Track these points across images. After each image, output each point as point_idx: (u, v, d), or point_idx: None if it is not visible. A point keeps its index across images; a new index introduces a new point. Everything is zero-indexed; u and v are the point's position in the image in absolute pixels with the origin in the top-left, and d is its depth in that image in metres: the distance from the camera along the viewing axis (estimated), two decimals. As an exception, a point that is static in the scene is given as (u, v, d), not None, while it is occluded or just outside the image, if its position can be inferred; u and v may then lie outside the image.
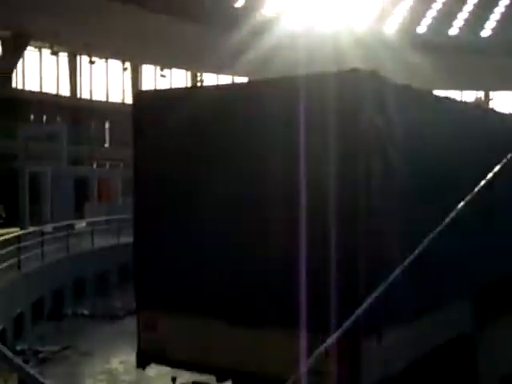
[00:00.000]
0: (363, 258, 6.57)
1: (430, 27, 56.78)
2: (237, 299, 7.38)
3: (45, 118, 50.76)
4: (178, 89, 8.98)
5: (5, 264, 15.44)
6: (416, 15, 56.95)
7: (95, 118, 53.32)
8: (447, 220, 4.76)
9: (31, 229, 24.33)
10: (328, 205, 6.58)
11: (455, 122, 8.53)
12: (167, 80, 55.92)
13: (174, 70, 56.64)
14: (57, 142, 36.13)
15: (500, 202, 8.89)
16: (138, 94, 10.21)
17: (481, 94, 60.39)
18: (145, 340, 8.11)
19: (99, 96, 55.62)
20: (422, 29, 56.96)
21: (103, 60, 54.00)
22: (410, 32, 54.55)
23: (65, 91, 53.15)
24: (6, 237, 18.53)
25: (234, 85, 6.74)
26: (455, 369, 8.51)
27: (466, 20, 57.07)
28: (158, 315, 8.03)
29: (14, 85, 48.89)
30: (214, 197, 7.50)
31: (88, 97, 54.70)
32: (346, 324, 4.01)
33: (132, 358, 9.16)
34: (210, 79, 57.34)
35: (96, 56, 51.03)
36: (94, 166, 50.16)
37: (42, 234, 20.75)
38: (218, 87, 10.79)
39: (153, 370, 9.70)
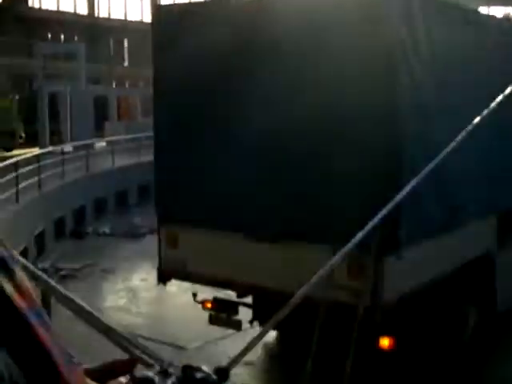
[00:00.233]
0: (396, 166, 6.48)
1: None
2: (259, 213, 7.31)
3: (62, 37, 50.30)
4: (200, 2, 8.71)
5: (25, 183, 15.48)
6: None
7: (114, 36, 52.80)
8: (464, 133, 4.65)
9: (51, 148, 24.32)
10: (358, 106, 6.58)
11: (483, 34, 8.27)
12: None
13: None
14: (75, 62, 35.89)
15: None
16: (157, 7, 10.07)
17: (510, 9, 58.89)
18: (166, 256, 8.10)
19: (117, 14, 54.98)
20: None
21: (121, -23, 53.22)
22: None
23: (82, 10, 52.54)
24: (27, 155, 18.57)
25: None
26: (475, 289, 8.48)
27: None
28: (179, 231, 7.99)
29: (30, 4, 48.35)
30: (237, 109, 7.35)
31: (106, 15, 54.08)
32: (359, 236, 3.91)
33: (152, 276, 9.22)
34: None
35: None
36: (114, 85, 49.94)
37: (63, 153, 20.74)
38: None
39: (173, 286, 9.77)
